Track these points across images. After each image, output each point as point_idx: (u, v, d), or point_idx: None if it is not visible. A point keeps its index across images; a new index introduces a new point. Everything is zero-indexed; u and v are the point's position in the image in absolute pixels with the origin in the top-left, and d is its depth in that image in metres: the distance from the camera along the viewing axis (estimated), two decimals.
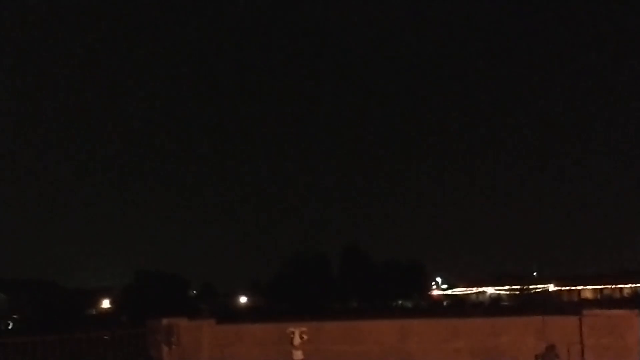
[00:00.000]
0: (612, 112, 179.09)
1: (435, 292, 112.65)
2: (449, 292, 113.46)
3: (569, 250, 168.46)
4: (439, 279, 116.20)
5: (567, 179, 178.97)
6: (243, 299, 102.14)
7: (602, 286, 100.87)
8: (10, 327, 71.17)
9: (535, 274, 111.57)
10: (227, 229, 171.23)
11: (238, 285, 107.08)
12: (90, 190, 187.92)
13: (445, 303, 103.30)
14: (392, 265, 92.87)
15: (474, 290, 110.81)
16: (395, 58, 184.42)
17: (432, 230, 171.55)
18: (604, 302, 79.79)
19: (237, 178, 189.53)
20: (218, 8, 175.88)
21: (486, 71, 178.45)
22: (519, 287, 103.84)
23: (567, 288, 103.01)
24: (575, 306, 35.90)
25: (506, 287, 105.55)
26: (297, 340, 9.62)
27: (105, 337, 9.56)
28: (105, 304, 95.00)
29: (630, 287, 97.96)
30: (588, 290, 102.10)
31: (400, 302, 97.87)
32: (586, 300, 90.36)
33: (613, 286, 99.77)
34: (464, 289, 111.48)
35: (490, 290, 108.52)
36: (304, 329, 9.68)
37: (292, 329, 9.71)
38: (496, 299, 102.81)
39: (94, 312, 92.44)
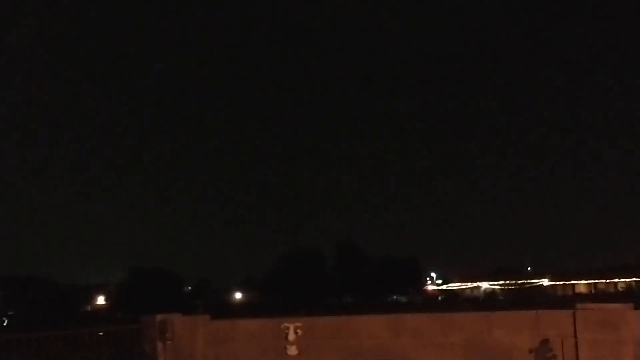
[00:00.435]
0: (607, 111, 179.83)
1: (430, 287, 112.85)
2: (444, 287, 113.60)
3: (563, 245, 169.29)
4: (433, 274, 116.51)
5: (561, 175, 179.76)
6: (238, 295, 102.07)
7: (596, 280, 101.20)
8: (5, 324, 71.01)
9: (529, 268, 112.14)
10: (222, 225, 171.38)
11: (233, 281, 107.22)
12: (85, 187, 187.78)
13: (440, 298, 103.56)
14: (387, 260, 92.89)
15: (469, 285, 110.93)
16: (390, 58, 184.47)
17: (427, 226, 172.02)
18: (598, 296, 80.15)
19: (232, 175, 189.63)
20: (218, 8, 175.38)
21: (486, 71, 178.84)
22: (513, 281, 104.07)
23: (562, 282, 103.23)
24: (569, 300, 36.03)
25: (501, 282, 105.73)
26: (291, 336, 9.62)
27: (100, 333, 9.52)
28: (100, 300, 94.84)
29: (625, 281, 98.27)
30: (582, 284, 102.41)
31: (395, 297, 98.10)
32: (580, 294, 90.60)
33: (607, 280, 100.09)
34: (459, 284, 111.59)
35: (484, 285, 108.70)
36: (298, 324, 9.67)
37: (286, 324, 9.70)
38: (491, 293, 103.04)
39: (89, 309, 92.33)
